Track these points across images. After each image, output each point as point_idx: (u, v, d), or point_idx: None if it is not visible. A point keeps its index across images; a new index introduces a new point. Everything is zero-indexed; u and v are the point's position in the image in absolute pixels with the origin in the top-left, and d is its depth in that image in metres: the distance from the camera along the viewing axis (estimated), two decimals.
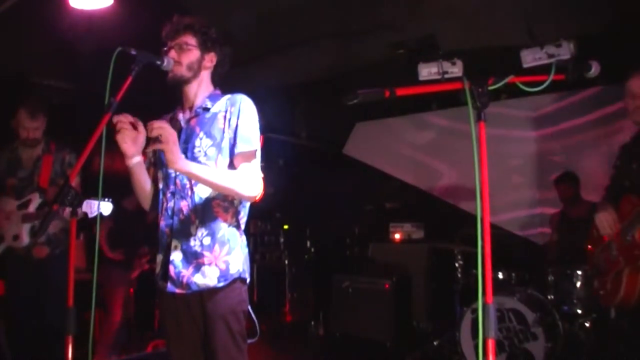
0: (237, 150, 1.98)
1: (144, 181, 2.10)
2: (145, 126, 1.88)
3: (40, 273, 3.13)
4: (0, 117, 3.37)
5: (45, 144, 3.28)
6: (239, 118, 2.00)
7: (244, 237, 2.09)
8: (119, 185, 2.48)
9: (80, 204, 1.82)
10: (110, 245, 4.32)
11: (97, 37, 3.38)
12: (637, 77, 2.38)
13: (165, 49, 2.02)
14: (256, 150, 2.02)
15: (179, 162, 1.81)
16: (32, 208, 3.13)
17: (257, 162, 2.03)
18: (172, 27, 2.04)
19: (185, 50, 2.02)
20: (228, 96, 2.08)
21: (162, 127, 1.79)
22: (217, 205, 2.00)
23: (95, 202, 2.55)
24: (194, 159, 1.99)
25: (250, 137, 2.00)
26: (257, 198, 2.01)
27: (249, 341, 2.02)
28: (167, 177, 2.06)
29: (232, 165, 2.02)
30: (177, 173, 2.00)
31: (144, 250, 4.79)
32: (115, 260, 4.28)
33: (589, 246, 2.77)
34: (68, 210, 1.85)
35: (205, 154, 1.99)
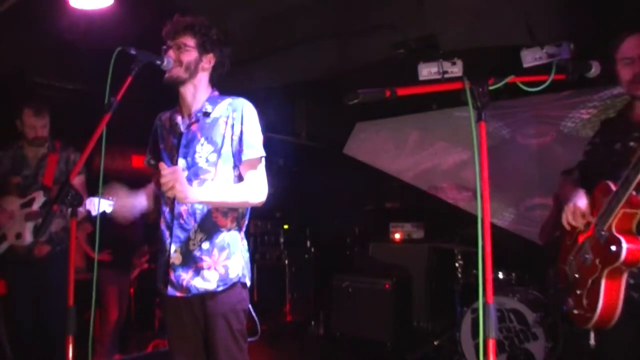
0: (244, 157, 1.99)
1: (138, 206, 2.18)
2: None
3: (41, 272, 3.13)
4: (1, 116, 3.38)
5: (50, 143, 3.29)
6: (243, 124, 2.00)
7: (244, 242, 2.09)
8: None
9: (80, 204, 1.81)
10: (92, 247, 4.33)
11: (97, 37, 3.38)
12: (629, 40, 2.01)
13: (164, 47, 2.02)
14: (262, 157, 2.03)
15: (189, 197, 1.80)
16: (35, 206, 3.12)
17: (262, 167, 2.04)
18: (172, 26, 2.04)
19: (184, 50, 2.01)
20: (229, 100, 2.07)
21: (167, 181, 1.76)
22: (216, 211, 2.00)
23: (97, 200, 2.56)
24: (194, 164, 1.99)
25: (256, 144, 2.02)
26: (263, 202, 2.03)
27: (249, 340, 2.03)
28: None
29: (236, 170, 2.03)
30: None
31: (144, 250, 4.79)
32: (103, 261, 4.28)
33: (561, 257, 2.23)
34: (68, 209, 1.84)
35: (207, 160, 2.00)
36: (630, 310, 1.90)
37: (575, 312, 2.06)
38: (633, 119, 2.05)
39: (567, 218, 2.01)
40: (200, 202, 1.91)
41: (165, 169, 1.77)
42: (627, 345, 1.97)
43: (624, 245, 1.80)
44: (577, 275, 2.06)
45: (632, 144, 1.96)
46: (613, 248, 1.83)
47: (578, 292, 2.03)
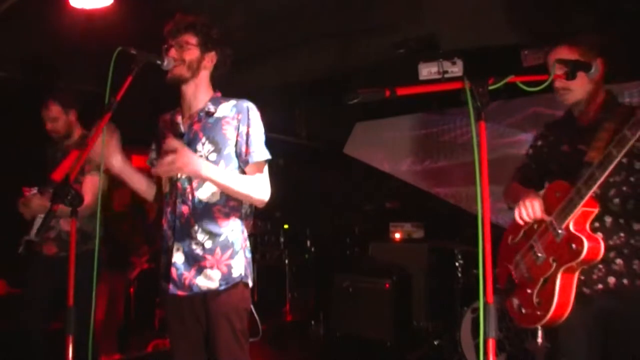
0: (251, 160, 2.01)
1: (136, 181, 2.13)
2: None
3: (50, 272, 3.05)
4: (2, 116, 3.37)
5: (81, 139, 3.18)
6: (250, 127, 2.02)
7: (248, 242, 2.10)
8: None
9: (80, 204, 1.81)
10: None
11: (97, 37, 3.38)
12: (552, 53, 2.05)
13: (165, 46, 2.02)
14: (267, 160, 2.05)
15: (201, 170, 1.84)
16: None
17: (266, 170, 2.07)
18: (174, 25, 2.04)
19: (186, 49, 2.02)
20: (233, 102, 2.07)
21: (173, 159, 1.79)
22: (218, 211, 2.01)
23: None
24: None
25: (263, 147, 2.04)
26: (265, 203, 2.05)
27: (251, 340, 2.03)
28: (169, 180, 2.07)
29: (240, 171, 2.04)
30: (179, 177, 2.00)
31: (144, 249, 4.79)
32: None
33: (503, 256, 2.20)
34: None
35: (207, 159, 2.00)
36: (582, 305, 1.92)
37: (523, 311, 2.03)
38: (579, 123, 2.09)
39: (528, 213, 1.98)
40: (207, 178, 1.91)
41: (172, 139, 1.83)
42: (582, 337, 1.99)
43: (586, 243, 1.82)
44: (526, 275, 2.04)
45: (581, 146, 1.99)
46: (574, 246, 1.84)
47: (528, 291, 2.01)
